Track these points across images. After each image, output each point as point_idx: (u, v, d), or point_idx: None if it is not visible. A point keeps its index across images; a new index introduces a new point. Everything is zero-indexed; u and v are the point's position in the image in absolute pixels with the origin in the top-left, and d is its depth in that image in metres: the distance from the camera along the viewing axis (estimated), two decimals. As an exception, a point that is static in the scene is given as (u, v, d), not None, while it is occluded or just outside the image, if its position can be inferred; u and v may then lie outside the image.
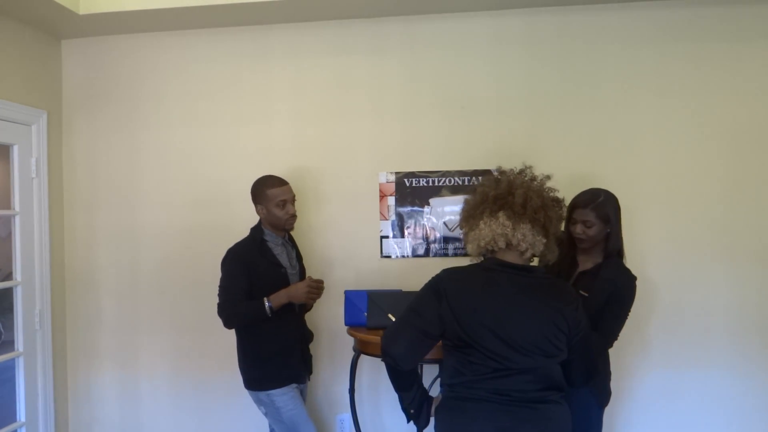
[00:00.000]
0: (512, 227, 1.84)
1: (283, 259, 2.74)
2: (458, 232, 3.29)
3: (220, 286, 2.66)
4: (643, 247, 3.08)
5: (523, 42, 3.23)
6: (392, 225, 3.33)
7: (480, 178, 3.27)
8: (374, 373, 3.32)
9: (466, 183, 3.27)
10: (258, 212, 2.74)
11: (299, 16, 3.28)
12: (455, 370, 1.87)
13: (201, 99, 3.45)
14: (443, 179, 3.28)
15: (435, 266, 3.27)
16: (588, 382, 1.98)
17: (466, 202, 2.01)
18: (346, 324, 2.92)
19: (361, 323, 2.85)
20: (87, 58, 3.54)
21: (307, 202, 3.33)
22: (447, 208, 3.30)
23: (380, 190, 3.33)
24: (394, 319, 2.75)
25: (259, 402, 2.68)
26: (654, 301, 3.11)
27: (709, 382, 3.12)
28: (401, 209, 3.32)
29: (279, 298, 2.57)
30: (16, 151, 3.22)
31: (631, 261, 2.50)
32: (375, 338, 2.66)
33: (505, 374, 1.78)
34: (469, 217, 1.95)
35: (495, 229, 1.85)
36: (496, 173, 2.04)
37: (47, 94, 3.45)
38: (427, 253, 3.31)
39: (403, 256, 3.33)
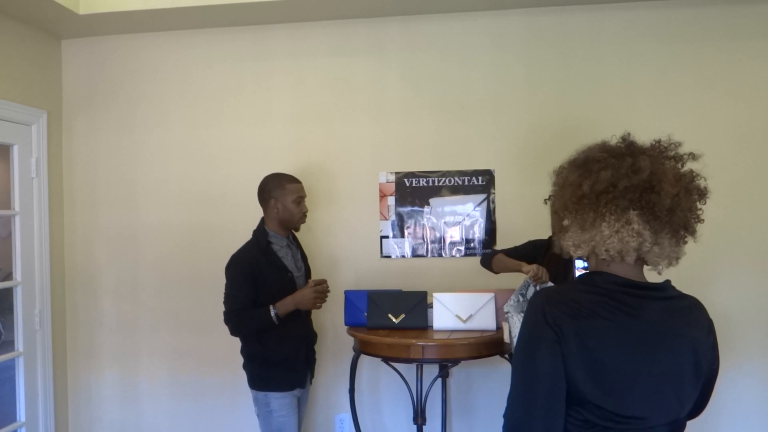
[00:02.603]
0: (652, 237, 1.26)
1: (288, 261, 2.69)
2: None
3: (225, 294, 2.59)
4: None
5: (523, 42, 3.23)
6: (392, 225, 3.33)
7: (480, 178, 3.27)
8: (374, 373, 3.32)
9: (466, 183, 3.27)
10: (270, 207, 2.66)
11: (299, 16, 3.28)
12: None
13: (201, 99, 3.45)
14: (443, 179, 3.29)
15: (435, 266, 3.31)
16: (695, 417, 1.47)
17: (571, 182, 1.34)
18: (346, 324, 2.92)
19: (361, 323, 2.85)
20: (87, 58, 3.54)
21: (307, 202, 3.32)
22: (447, 208, 3.30)
23: (380, 190, 3.33)
24: (395, 320, 2.75)
25: (255, 400, 2.66)
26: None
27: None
28: (401, 209, 3.32)
29: (285, 305, 2.52)
30: (16, 151, 3.22)
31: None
32: (375, 338, 2.66)
33: (630, 429, 1.26)
34: (579, 207, 1.32)
35: (627, 239, 1.26)
36: (621, 143, 1.40)
37: (47, 94, 3.45)
38: (427, 253, 3.31)
39: (403, 256, 3.33)
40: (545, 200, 1.45)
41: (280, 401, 2.59)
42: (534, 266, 2.47)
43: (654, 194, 1.26)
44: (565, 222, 1.36)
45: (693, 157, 1.40)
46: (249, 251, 2.62)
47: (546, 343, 1.24)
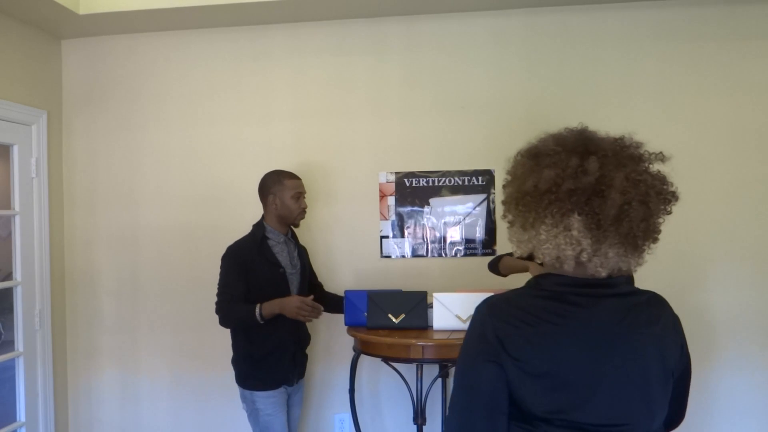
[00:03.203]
0: (592, 247, 1.15)
1: (283, 257, 2.72)
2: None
3: (218, 284, 2.67)
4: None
5: (523, 42, 3.23)
6: (392, 225, 3.33)
7: (480, 178, 3.27)
8: (374, 373, 3.32)
9: (466, 183, 3.27)
10: (269, 203, 2.70)
11: (299, 16, 3.28)
12: None
13: (201, 99, 3.45)
14: (443, 179, 3.29)
15: (435, 266, 3.31)
16: (672, 428, 1.36)
17: (518, 175, 1.24)
18: (346, 324, 2.91)
19: (361, 323, 2.84)
20: (87, 58, 3.54)
21: (307, 202, 3.32)
22: (447, 208, 3.30)
23: (380, 190, 3.33)
24: (395, 320, 2.75)
25: (243, 398, 2.70)
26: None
27: (711, 382, 3.12)
28: (401, 209, 3.32)
29: (271, 307, 2.55)
30: (16, 151, 3.22)
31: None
32: (375, 338, 2.66)
33: None
34: (520, 205, 1.22)
35: (563, 246, 1.16)
36: (578, 136, 1.24)
37: (47, 94, 3.45)
38: (427, 253, 3.31)
39: (403, 256, 3.33)
40: (503, 185, 1.31)
41: (266, 400, 2.63)
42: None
43: (599, 199, 1.13)
44: (510, 217, 1.26)
45: (660, 158, 1.23)
46: (244, 244, 2.69)
47: (484, 360, 1.15)
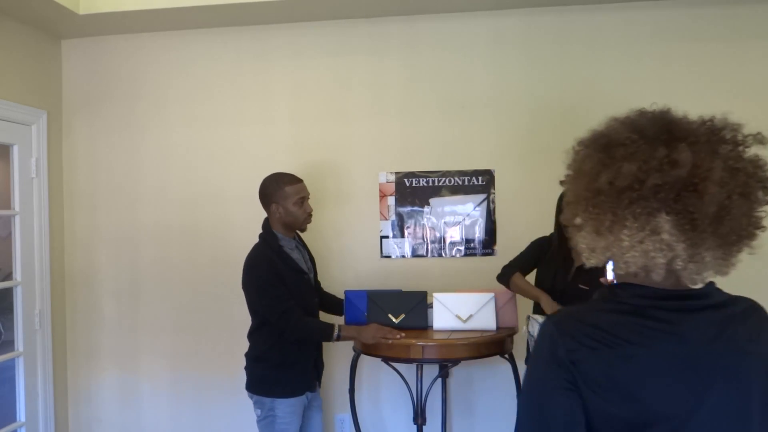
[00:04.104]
0: (687, 252, 0.97)
1: (302, 264, 2.65)
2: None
3: (262, 304, 2.52)
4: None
5: (523, 42, 3.23)
6: (392, 225, 3.33)
7: (480, 178, 3.27)
8: (374, 373, 3.32)
9: (466, 183, 3.27)
10: (272, 211, 2.59)
11: (299, 16, 3.28)
12: None
13: (201, 99, 3.45)
14: (443, 179, 3.28)
15: (435, 266, 3.31)
16: None
17: (586, 171, 1.03)
18: (346, 324, 2.91)
19: (362, 323, 2.84)
20: (87, 58, 3.54)
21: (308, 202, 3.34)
22: (447, 208, 3.30)
23: (380, 190, 3.33)
24: (395, 320, 2.75)
25: (260, 404, 2.59)
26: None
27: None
28: (401, 209, 3.32)
29: (349, 331, 2.61)
30: (16, 151, 3.22)
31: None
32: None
33: None
34: (594, 204, 1.01)
35: (653, 253, 0.97)
36: (658, 120, 1.03)
37: (47, 94, 3.45)
38: (427, 253, 3.31)
39: (403, 256, 3.33)
40: (560, 182, 1.15)
41: (287, 408, 2.55)
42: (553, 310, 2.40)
43: (693, 192, 0.94)
44: (578, 220, 1.05)
45: (760, 139, 1.02)
46: (264, 254, 2.55)
47: (558, 388, 0.97)
